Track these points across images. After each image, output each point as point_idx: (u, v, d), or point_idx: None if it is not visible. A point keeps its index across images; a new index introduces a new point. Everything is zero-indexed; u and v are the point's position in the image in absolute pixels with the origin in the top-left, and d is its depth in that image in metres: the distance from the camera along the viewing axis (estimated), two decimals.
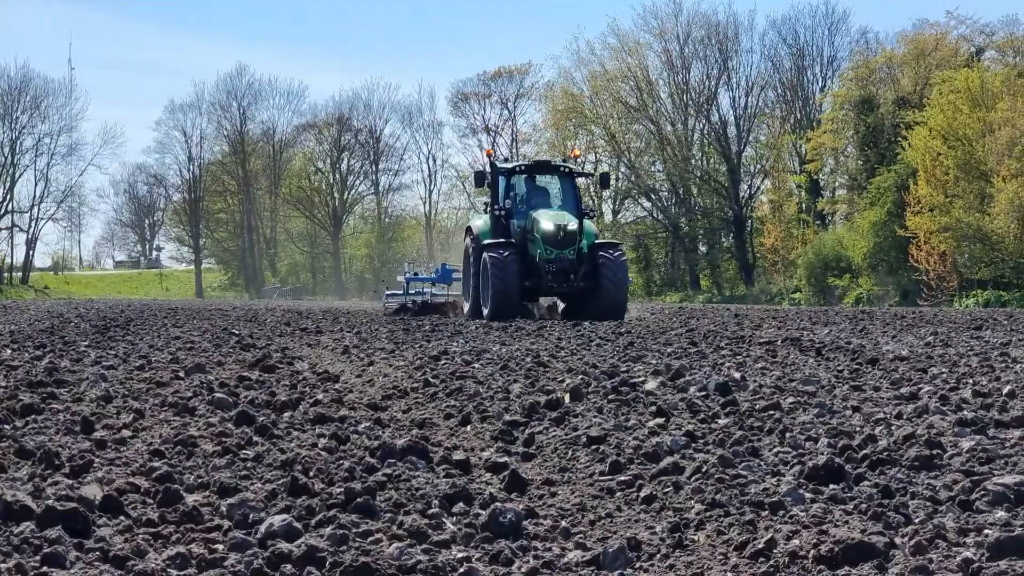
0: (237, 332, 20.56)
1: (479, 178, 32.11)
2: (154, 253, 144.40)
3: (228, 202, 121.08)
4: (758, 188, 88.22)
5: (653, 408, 8.77)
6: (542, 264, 28.63)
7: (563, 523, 5.40)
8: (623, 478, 6.24)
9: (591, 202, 73.46)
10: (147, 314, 32.68)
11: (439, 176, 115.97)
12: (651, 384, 10.47)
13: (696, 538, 5.09)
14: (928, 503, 5.50)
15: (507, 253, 28.41)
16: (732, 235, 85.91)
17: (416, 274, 39.46)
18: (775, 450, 6.93)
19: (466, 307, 31.13)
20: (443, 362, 13.68)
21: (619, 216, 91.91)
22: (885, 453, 6.66)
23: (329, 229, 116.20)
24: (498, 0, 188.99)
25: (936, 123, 56.82)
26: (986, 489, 5.57)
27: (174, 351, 15.27)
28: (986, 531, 4.88)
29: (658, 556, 4.85)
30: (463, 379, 11.44)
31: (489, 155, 34.47)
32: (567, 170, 32.11)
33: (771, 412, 8.60)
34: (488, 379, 11.54)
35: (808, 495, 5.67)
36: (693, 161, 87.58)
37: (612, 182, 72.85)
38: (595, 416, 8.59)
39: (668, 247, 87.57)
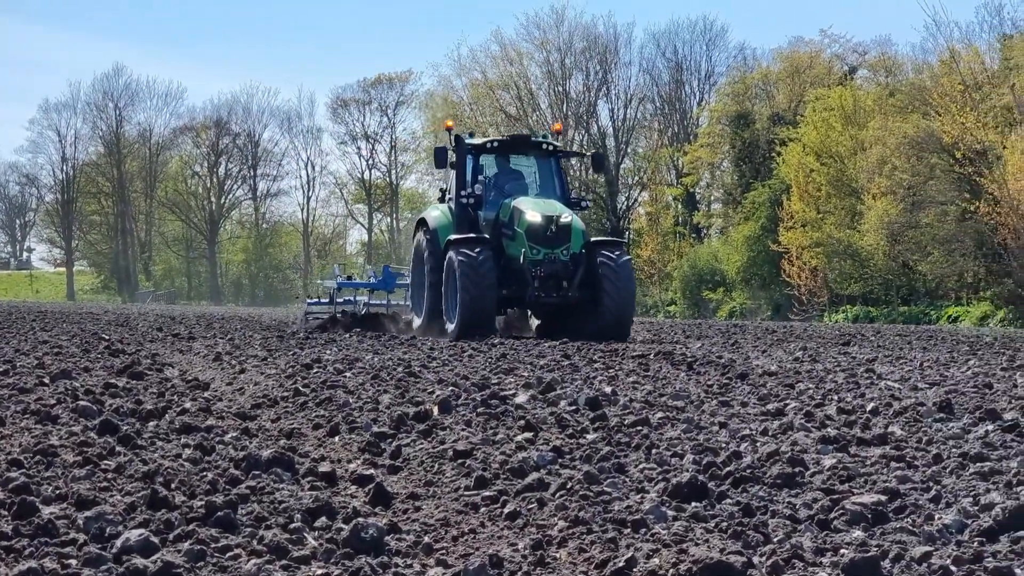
0: (107, 337, 20.24)
1: (440, 157, 25.08)
2: (24, 254, 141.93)
3: (102, 204, 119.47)
4: (635, 200, 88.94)
5: (522, 422, 8.75)
6: (527, 267, 23.00)
7: (426, 539, 5.37)
8: (488, 493, 6.22)
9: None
10: (15, 317, 32.04)
11: (317, 183, 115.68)
12: (521, 398, 10.45)
13: (558, 555, 5.09)
14: (788, 522, 5.56)
15: (480, 251, 22.75)
16: None
17: (350, 278, 33.95)
18: (641, 466, 6.96)
19: (415, 321, 25.24)
20: (315, 371, 13.58)
21: None
22: (749, 470, 6.71)
23: (205, 234, 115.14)
24: (380, 7, 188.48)
25: (809, 140, 57.83)
26: (844, 508, 5.65)
27: (40, 356, 14.99)
28: (842, 551, 4.95)
29: (519, 573, 4.84)
30: (334, 388, 11.36)
31: (449, 128, 27.09)
32: (551, 147, 25.60)
33: (639, 427, 8.63)
34: (358, 389, 11.48)
35: (671, 513, 5.69)
36: (571, 171, 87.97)
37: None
38: (463, 429, 8.57)
39: None
